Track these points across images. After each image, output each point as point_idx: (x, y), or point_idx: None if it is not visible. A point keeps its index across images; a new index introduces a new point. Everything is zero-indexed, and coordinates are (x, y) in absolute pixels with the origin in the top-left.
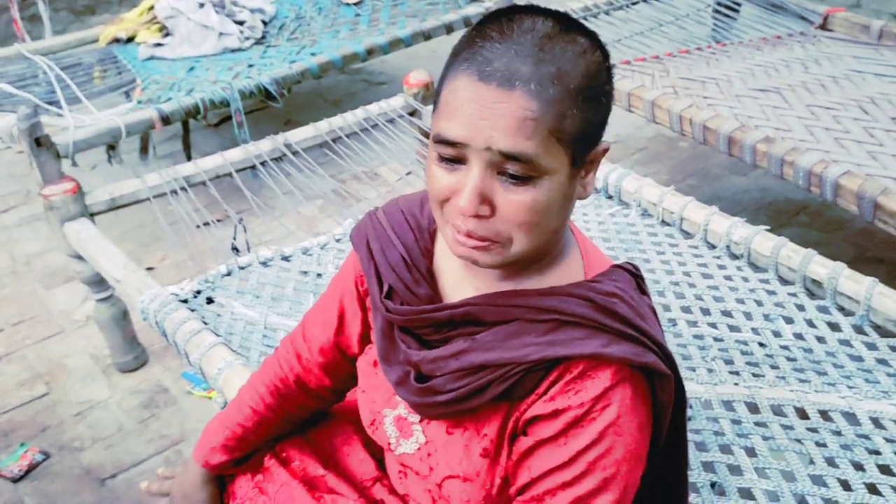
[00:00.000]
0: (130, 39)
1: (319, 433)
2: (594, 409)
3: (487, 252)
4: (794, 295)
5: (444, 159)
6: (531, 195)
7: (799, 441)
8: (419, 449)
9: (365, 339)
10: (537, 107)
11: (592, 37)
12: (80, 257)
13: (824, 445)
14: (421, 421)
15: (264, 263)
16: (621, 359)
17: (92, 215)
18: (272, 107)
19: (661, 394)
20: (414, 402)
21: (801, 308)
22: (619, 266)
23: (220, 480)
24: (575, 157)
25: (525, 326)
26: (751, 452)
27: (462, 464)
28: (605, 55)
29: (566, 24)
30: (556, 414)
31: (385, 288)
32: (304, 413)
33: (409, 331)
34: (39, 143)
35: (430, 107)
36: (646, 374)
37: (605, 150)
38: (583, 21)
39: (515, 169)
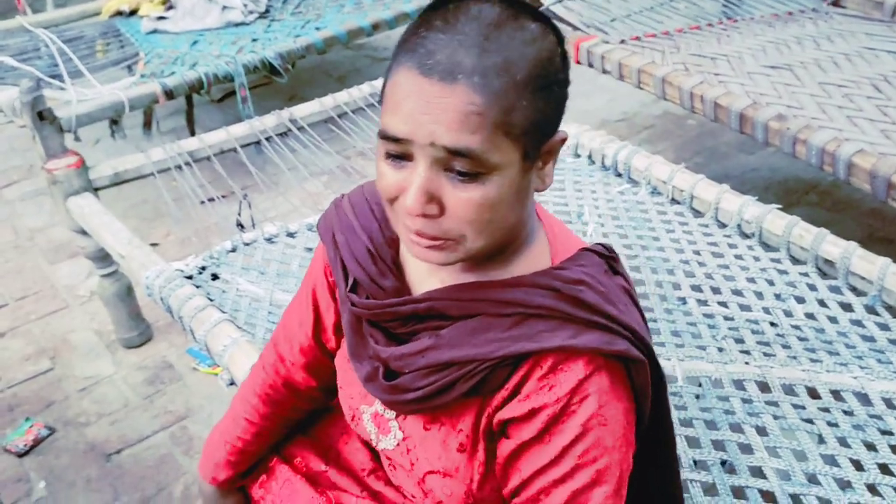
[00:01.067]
0: (133, 13)
1: (319, 427)
2: (572, 402)
3: (441, 251)
4: (805, 275)
5: (390, 156)
6: (481, 192)
7: (810, 421)
8: (398, 445)
9: (339, 331)
10: (481, 101)
11: (545, 21)
12: (84, 232)
13: (836, 425)
14: (397, 417)
15: (269, 240)
16: (591, 349)
17: (96, 190)
18: (276, 82)
19: (637, 378)
20: (383, 399)
21: (812, 288)
22: (587, 249)
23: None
24: (527, 151)
25: (489, 321)
26: (762, 431)
27: (441, 459)
28: (560, 40)
29: (515, 9)
30: (533, 413)
31: (350, 281)
32: (300, 415)
33: (376, 325)
34: (42, 116)
35: None
36: (621, 359)
37: (563, 140)
38: None
39: (462, 165)
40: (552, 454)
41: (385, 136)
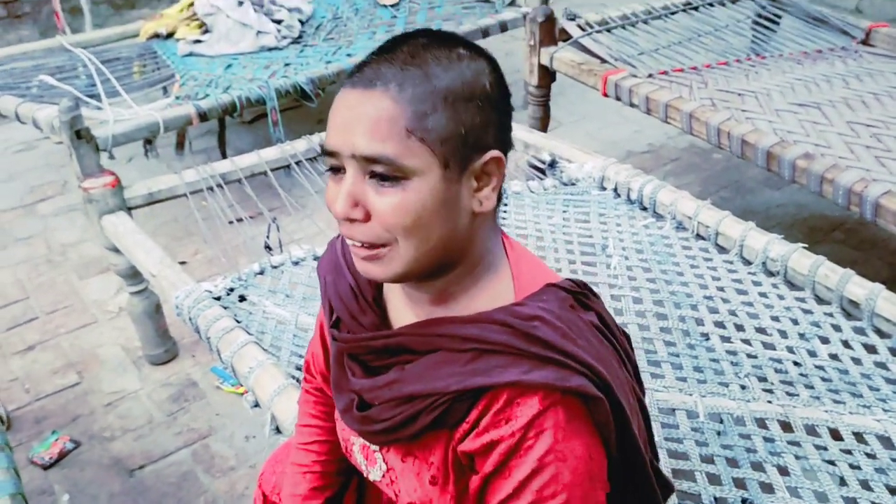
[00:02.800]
0: (170, 35)
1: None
2: (527, 436)
3: (378, 262)
4: (830, 315)
5: (331, 170)
6: (400, 196)
7: (832, 462)
8: (383, 476)
9: None
10: (391, 105)
11: (475, 49)
12: (116, 250)
13: (858, 468)
14: (381, 449)
15: (296, 263)
16: (542, 384)
17: (129, 209)
18: (305, 105)
19: (595, 415)
20: (357, 430)
21: (837, 328)
22: (554, 284)
23: None
24: (447, 160)
25: (448, 356)
26: (783, 471)
27: (416, 491)
28: (492, 64)
29: (447, 38)
30: (491, 446)
31: (334, 317)
32: None
33: (355, 358)
34: (80, 135)
35: None
36: (579, 395)
37: (499, 161)
38: (620, 29)
39: (379, 170)
40: (511, 487)
41: (323, 151)
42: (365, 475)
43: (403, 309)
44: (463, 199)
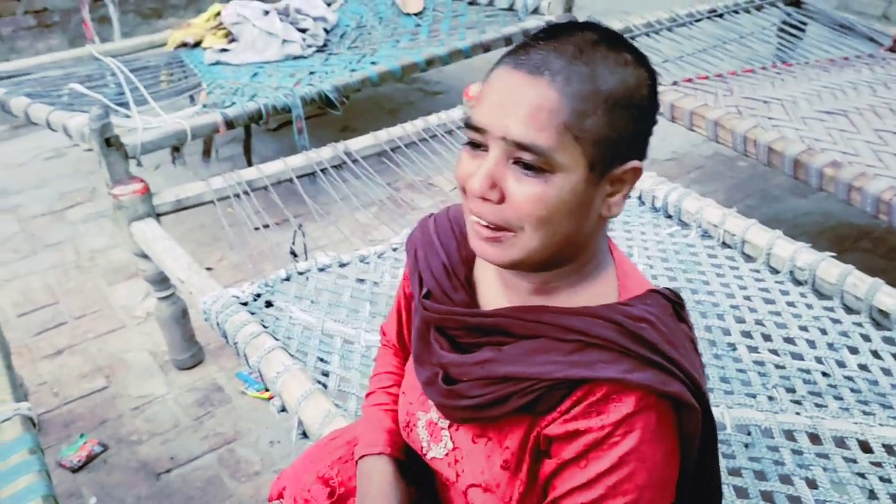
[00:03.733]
0: (197, 44)
1: None
2: (615, 433)
3: (498, 245)
4: (859, 324)
5: (471, 144)
6: (541, 188)
7: (862, 475)
8: (447, 454)
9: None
10: (556, 98)
11: (640, 56)
12: (145, 256)
13: (889, 481)
14: (450, 427)
15: (322, 269)
16: (644, 385)
17: (158, 215)
18: (330, 113)
19: (686, 424)
20: (439, 403)
21: (866, 338)
22: (656, 291)
23: None
24: (594, 162)
25: (550, 343)
26: (812, 484)
27: (484, 473)
28: (652, 76)
29: (615, 39)
30: (576, 434)
31: (424, 290)
32: None
33: (443, 332)
34: (109, 143)
35: None
36: (672, 402)
37: (638, 171)
38: (644, 37)
39: (527, 158)
40: (585, 478)
41: (468, 125)
42: (423, 452)
43: (497, 292)
44: (595, 202)
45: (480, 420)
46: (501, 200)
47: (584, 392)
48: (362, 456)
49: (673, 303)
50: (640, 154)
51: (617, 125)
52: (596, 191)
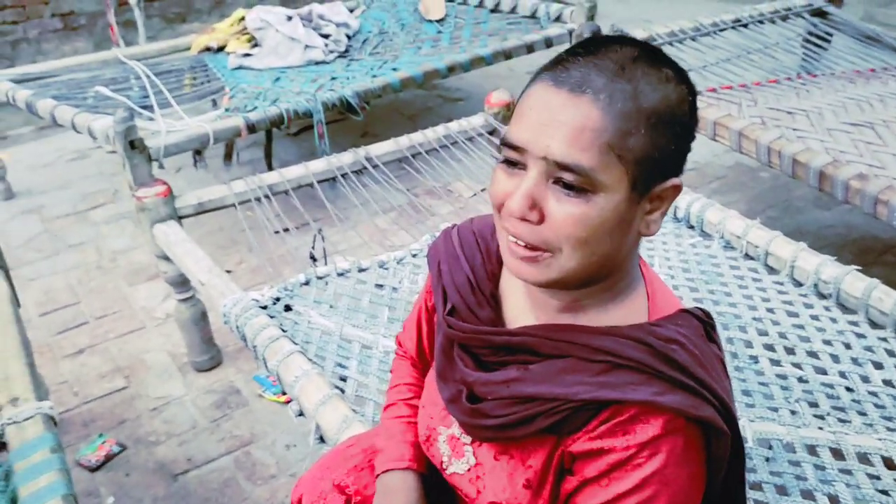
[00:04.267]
0: (221, 49)
1: None
2: (640, 454)
3: (535, 265)
4: (884, 340)
5: (507, 163)
6: (582, 209)
7: (886, 493)
8: (469, 470)
9: (432, 355)
10: (599, 117)
11: (680, 71)
12: (166, 258)
13: None
14: (472, 443)
15: (342, 274)
16: (675, 409)
17: (180, 218)
18: (350, 118)
19: (715, 449)
20: (463, 422)
21: (891, 353)
22: (687, 311)
23: None
24: (636, 181)
25: (578, 364)
26: (834, 500)
27: (505, 492)
28: (692, 91)
29: (655, 54)
30: (600, 453)
31: (448, 307)
32: None
33: (467, 349)
34: (133, 145)
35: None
36: (701, 426)
37: (677, 189)
38: (668, 46)
39: (569, 179)
40: (606, 497)
41: (505, 143)
42: (443, 467)
43: (523, 308)
44: (635, 221)
45: (504, 439)
46: (541, 221)
47: (612, 412)
48: (386, 470)
49: (704, 323)
50: (679, 170)
51: (659, 143)
52: (637, 209)
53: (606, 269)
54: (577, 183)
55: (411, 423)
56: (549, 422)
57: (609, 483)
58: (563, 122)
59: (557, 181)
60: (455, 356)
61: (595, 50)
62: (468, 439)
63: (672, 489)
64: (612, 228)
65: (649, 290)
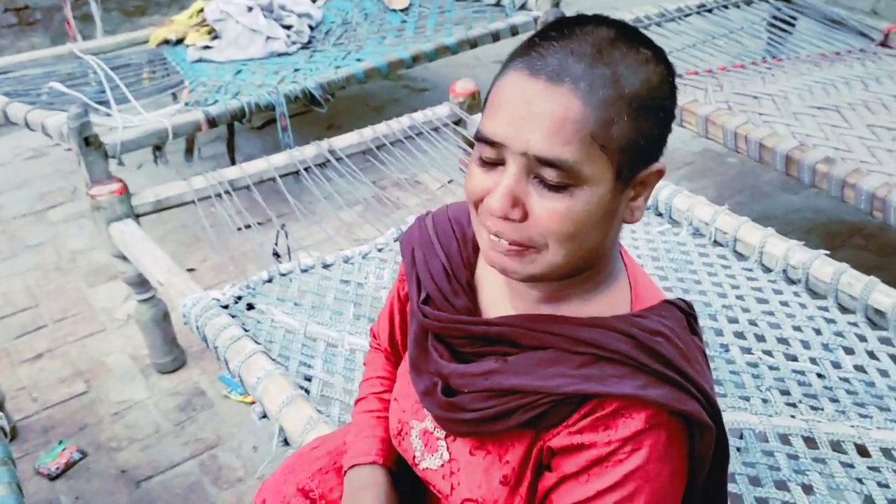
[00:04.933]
0: (180, 41)
1: None
2: (622, 450)
3: (519, 259)
4: (854, 324)
5: (483, 159)
6: (566, 204)
7: (860, 480)
8: (442, 466)
9: (405, 346)
10: (580, 108)
11: (658, 51)
12: (124, 257)
13: (887, 486)
14: (446, 437)
15: (305, 271)
16: (658, 402)
17: (137, 216)
18: (315, 111)
19: (699, 444)
20: (438, 416)
21: (862, 338)
22: (670, 302)
23: None
24: (621, 170)
25: (560, 355)
26: (808, 490)
27: (481, 488)
28: (671, 71)
29: (632, 34)
30: (580, 448)
31: (423, 295)
32: None
33: (442, 340)
34: (88, 142)
35: (476, 116)
36: (685, 421)
37: (661, 173)
38: None
39: (551, 175)
40: (585, 494)
41: (481, 139)
42: (415, 462)
43: (500, 298)
44: (620, 209)
45: (480, 434)
46: (524, 218)
47: (594, 406)
48: (353, 465)
49: (687, 314)
50: (661, 154)
51: (642, 129)
52: (621, 198)
53: (592, 260)
54: (558, 179)
55: (381, 417)
56: (529, 416)
57: (589, 479)
58: (541, 114)
59: (539, 176)
60: (429, 347)
61: (569, 33)
62: (442, 434)
63: (653, 486)
64: (598, 220)
65: (631, 279)
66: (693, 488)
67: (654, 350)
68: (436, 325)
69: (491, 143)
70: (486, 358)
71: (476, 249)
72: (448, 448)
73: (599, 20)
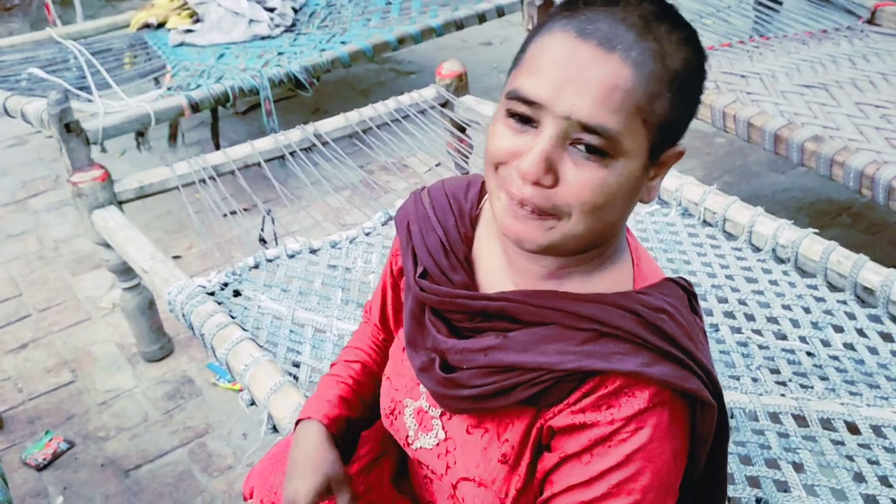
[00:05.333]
0: (161, 25)
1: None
2: (624, 429)
3: (537, 229)
4: (843, 302)
5: (513, 116)
6: (601, 174)
7: (850, 458)
8: (437, 445)
9: (398, 323)
10: (632, 77)
11: (694, 32)
12: (107, 245)
13: (877, 463)
14: (442, 416)
15: (292, 256)
16: (662, 380)
17: (120, 203)
18: (301, 95)
19: (701, 423)
20: (436, 392)
21: (851, 316)
22: (672, 280)
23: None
24: (653, 147)
25: (561, 332)
26: (799, 468)
27: (479, 467)
28: (704, 54)
29: (672, 11)
30: (582, 427)
31: (419, 270)
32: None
33: (440, 315)
34: (69, 128)
35: (463, 98)
36: (687, 399)
37: (681, 154)
38: None
39: (593, 142)
40: (587, 475)
41: (517, 97)
42: (408, 443)
43: (500, 273)
44: (643, 187)
45: (479, 411)
46: (554, 185)
47: (596, 383)
48: (300, 420)
49: (688, 293)
50: (682, 136)
51: (678, 107)
52: (646, 175)
53: (605, 236)
54: (600, 146)
55: (341, 382)
56: (529, 393)
57: (591, 459)
58: (591, 80)
59: (575, 142)
60: (427, 322)
61: (614, 1)
62: (437, 412)
63: (656, 465)
64: (625, 195)
65: (634, 257)
66: (694, 467)
67: (657, 327)
68: (434, 300)
69: (528, 102)
70: (485, 334)
71: (474, 225)
72: (444, 427)
73: None
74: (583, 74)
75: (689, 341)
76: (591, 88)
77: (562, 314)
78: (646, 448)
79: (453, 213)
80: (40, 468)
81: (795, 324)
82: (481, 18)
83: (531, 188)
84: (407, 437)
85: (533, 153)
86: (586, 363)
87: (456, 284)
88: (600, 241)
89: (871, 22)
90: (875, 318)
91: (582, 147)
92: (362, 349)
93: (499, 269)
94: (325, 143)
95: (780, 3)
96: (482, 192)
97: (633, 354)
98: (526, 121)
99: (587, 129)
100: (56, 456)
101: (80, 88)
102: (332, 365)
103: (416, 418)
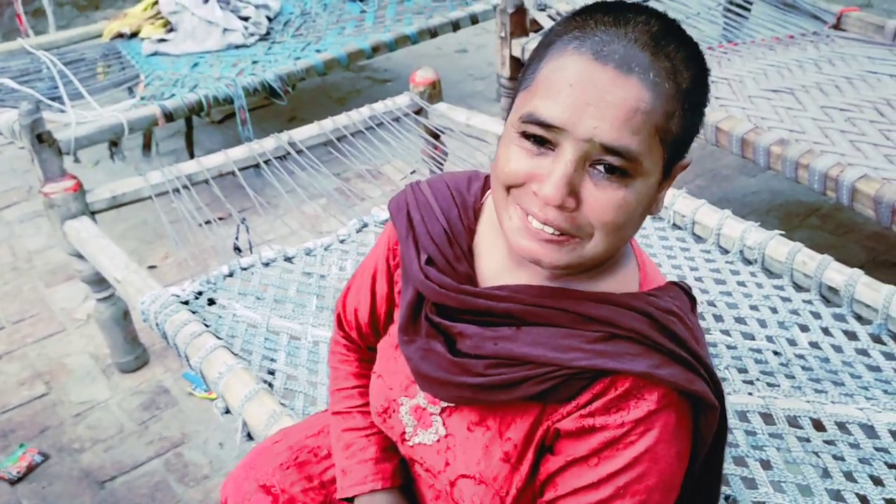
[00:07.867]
0: (134, 35)
1: None
2: (634, 431)
3: (558, 249)
4: (809, 302)
5: (529, 138)
6: (622, 194)
7: (816, 454)
8: (438, 441)
9: (389, 320)
10: (650, 99)
11: (697, 47)
12: (80, 256)
13: (842, 459)
14: (442, 412)
15: (267, 264)
16: (671, 382)
17: (93, 213)
18: (276, 104)
19: (704, 424)
20: (438, 380)
21: (816, 316)
22: (675, 284)
23: None
24: (667, 163)
25: (572, 330)
26: (766, 465)
27: (479, 465)
28: (707, 68)
29: (676, 27)
30: (591, 431)
31: (424, 257)
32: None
33: (441, 308)
34: (41, 139)
35: (437, 105)
36: (691, 401)
37: (686, 166)
38: None
39: (615, 163)
40: (594, 478)
41: (534, 121)
42: (404, 439)
43: (504, 268)
44: (655, 201)
45: (481, 402)
46: (577, 207)
47: (606, 385)
48: (359, 494)
49: (690, 297)
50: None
51: (689, 122)
52: (659, 190)
53: (620, 250)
54: (622, 166)
55: (370, 435)
56: (538, 389)
57: (599, 462)
58: (612, 102)
59: (595, 164)
60: (428, 311)
61: (624, 20)
62: (436, 409)
63: (661, 466)
64: (642, 213)
65: (640, 259)
66: (692, 469)
67: (668, 329)
68: (438, 292)
69: (546, 126)
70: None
71: (477, 216)
72: (444, 423)
73: (644, 10)
74: (603, 97)
75: (696, 344)
76: (612, 111)
77: (571, 317)
78: (653, 450)
79: (456, 205)
80: (14, 482)
81: (762, 324)
82: (455, 26)
83: (554, 211)
84: (403, 433)
85: (555, 177)
86: (598, 362)
87: (459, 274)
88: (615, 254)
89: (836, 27)
90: (839, 317)
91: (601, 168)
92: (358, 386)
93: (502, 263)
94: (299, 152)
95: (749, 10)
96: (485, 186)
97: (643, 356)
98: (541, 142)
99: (609, 150)
100: (30, 469)
101: (53, 99)
102: (336, 412)
103: (414, 415)
